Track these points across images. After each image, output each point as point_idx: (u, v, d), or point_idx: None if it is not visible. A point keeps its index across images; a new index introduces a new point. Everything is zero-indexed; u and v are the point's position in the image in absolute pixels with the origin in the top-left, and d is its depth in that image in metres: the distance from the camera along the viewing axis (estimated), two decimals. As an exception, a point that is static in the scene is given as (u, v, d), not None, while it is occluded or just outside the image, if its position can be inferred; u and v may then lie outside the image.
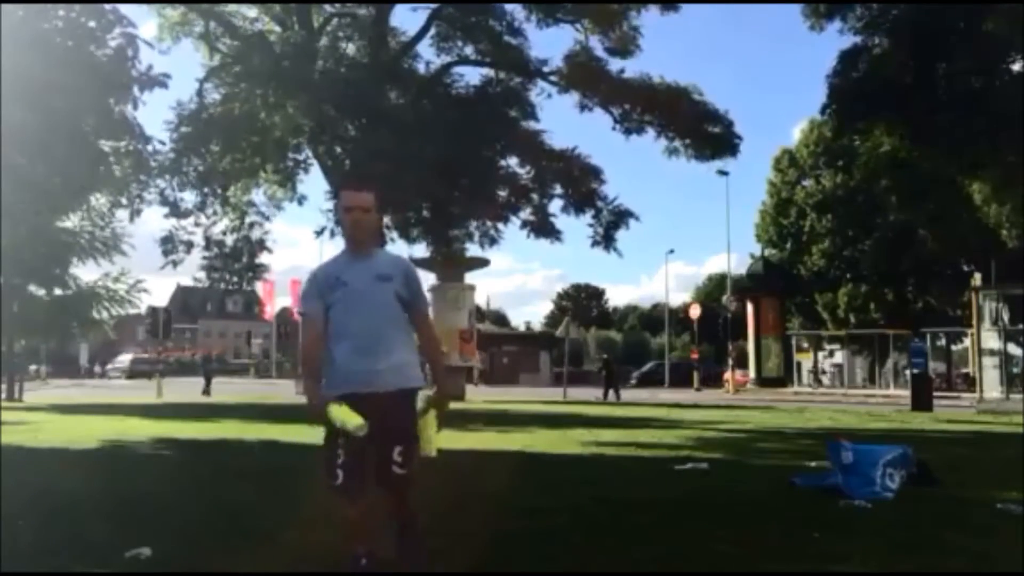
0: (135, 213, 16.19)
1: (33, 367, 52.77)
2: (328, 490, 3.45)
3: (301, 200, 19.89)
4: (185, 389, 28.01)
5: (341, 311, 3.42)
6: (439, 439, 3.56)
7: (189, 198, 17.82)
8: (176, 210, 17.59)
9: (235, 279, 18.86)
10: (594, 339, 69.05)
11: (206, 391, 26.97)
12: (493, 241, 19.73)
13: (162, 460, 8.43)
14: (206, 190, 17.82)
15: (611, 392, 25.12)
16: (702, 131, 19.12)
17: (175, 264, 18.02)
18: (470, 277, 27.21)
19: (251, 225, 18.82)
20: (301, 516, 4.95)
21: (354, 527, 3.50)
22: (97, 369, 54.18)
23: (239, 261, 18.71)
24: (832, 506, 5.47)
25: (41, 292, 19.00)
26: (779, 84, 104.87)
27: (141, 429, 11.61)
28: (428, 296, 3.31)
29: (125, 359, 55.47)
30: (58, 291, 18.97)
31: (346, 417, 3.33)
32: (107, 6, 10.58)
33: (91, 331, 23.44)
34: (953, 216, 32.94)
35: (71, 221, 17.24)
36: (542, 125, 19.51)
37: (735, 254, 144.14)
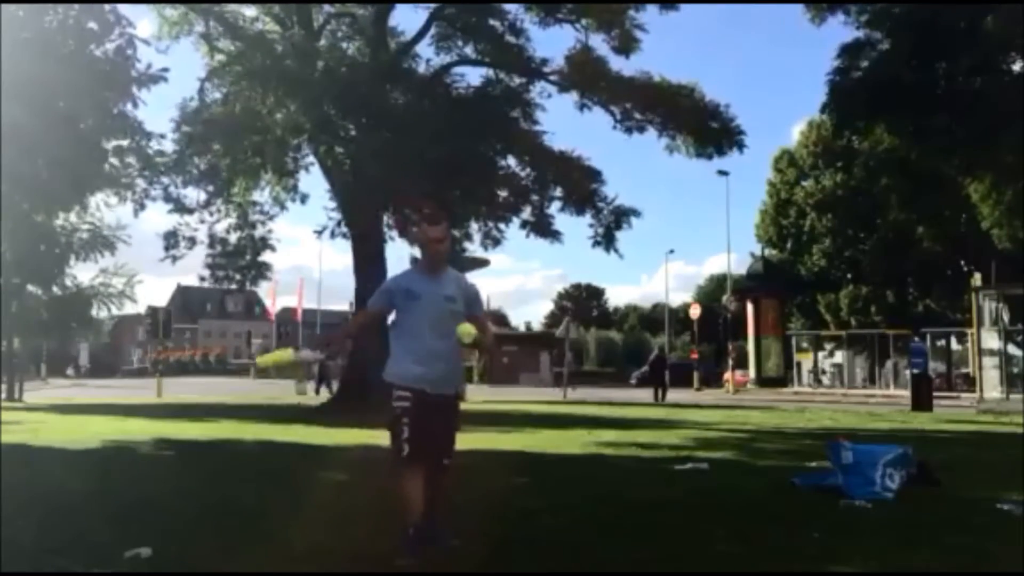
0: (140, 207, 16.19)
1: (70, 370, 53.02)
2: (395, 464, 4.05)
3: (304, 199, 19.82)
4: (180, 390, 28.01)
5: (410, 320, 4.11)
6: None
7: (192, 195, 17.80)
8: (180, 206, 17.56)
9: (238, 277, 18.79)
10: (594, 339, 69.04)
11: (319, 391, 26.48)
12: (496, 242, 19.70)
13: (162, 460, 8.43)
14: (210, 188, 17.78)
15: (660, 392, 23.68)
16: (704, 127, 19.05)
17: (175, 259, 17.98)
18: (470, 277, 27.02)
19: (254, 224, 18.76)
20: (301, 516, 4.97)
21: (410, 499, 3.98)
22: None
23: (243, 259, 18.65)
24: (832, 506, 5.47)
25: (40, 292, 18.97)
26: (779, 84, 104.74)
27: (141, 429, 11.61)
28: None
29: None
30: (57, 291, 18.94)
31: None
32: (107, 6, 10.56)
33: (90, 331, 23.45)
34: (953, 216, 32.99)
35: (70, 220, 17.20)
36: (542, 125, 19.47)
37: (735, 254, 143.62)
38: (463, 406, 4.40)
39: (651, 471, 7.62)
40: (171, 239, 17.80)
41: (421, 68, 19.60)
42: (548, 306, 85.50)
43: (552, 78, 19.36)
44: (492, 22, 18.89)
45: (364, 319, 4.48)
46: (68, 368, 55.32)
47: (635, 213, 19.21)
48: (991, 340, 19.53)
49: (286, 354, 4.57)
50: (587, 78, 18.99)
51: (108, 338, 47.74)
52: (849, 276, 42.38)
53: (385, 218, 18.89)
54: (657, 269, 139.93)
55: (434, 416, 4.05)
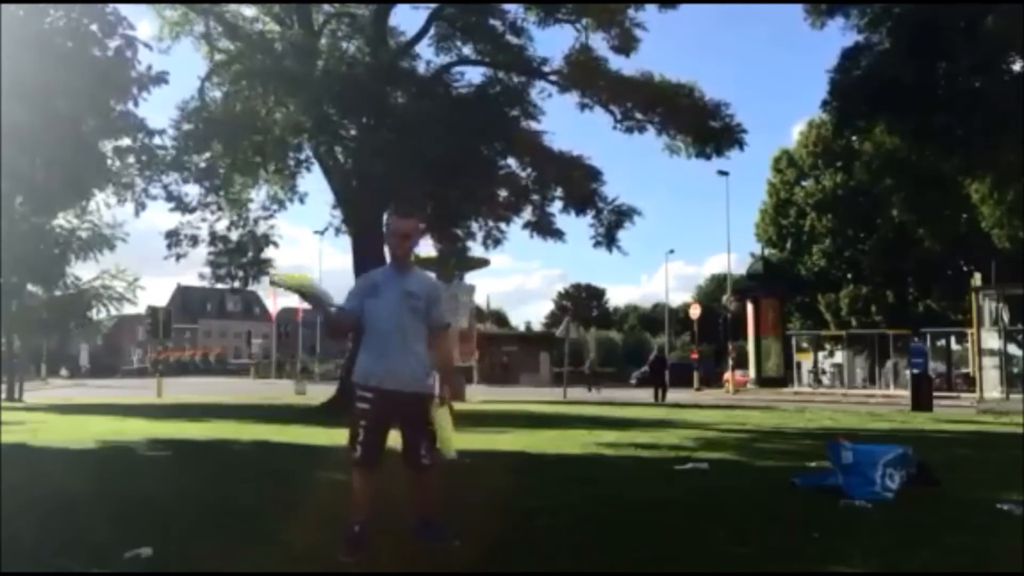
0: (140, 207, 16.16)
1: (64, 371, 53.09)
2: (348, 462, 4.15)
3: (303, 198, 19.78)
4: (179, 390, 27.99)
5: (372, 316, 4.11)
6: (456, 439, 4.12)
7: (193, 192, 17.75)
8: (182, 205, 17.51)
9: (240, 275, 18.70)
10: (594, 339, 68.99)
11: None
12: (497, 242, 19.70)
13: (162, 460, 8.42)
14: (207, 185, 17.73)
15: (660, 392, 23.97)
16: (704, 127, 19.03)
17: (179, 257, 17.93)
18: (470, 277, 27.22)
19: (255, 220, 18.70)
20: (300, 516, 4.96)
21: (357, 497, 4.09)
22: None
23: (244, 256, 18.56)
24: (832, 506, 5.47)
25: (40, 292, 19.01)
26: (779, 84, 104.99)
27: (140, 429, 11.61)
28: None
29: None
30: (57, 291, 18.97)
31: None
32: (107, 7, 10.56)
33: (90, 330, 23.49)
34: (953, 216, 32.93)
35: (70, 220, 17.21)
36: (543, 125, 19.46)
37: (735, 254, 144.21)
38: (462, 406, 4.43)
39: (651, 471, 7.61)
40: (173, 237, 17.77)
41: (421, 68, 19.61)
42: (548, 306, 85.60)
43: (552, 78, 19.36)
44: (492, 22, 18.89)
45: (348, 319, 4.18)
46: (62, 368, 55.26)
47: (636, 213, 19.23)
48: (991, 340, 19.54)
49: (305, 278, 4.21)
50: (587, 78, 18.98)
51: (103, 339, 47.46)
52: (849, 276, 42.36)
53: (385, 218, 18.87)
54: (657, 269, 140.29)
55: (401, 415, 4.06)
